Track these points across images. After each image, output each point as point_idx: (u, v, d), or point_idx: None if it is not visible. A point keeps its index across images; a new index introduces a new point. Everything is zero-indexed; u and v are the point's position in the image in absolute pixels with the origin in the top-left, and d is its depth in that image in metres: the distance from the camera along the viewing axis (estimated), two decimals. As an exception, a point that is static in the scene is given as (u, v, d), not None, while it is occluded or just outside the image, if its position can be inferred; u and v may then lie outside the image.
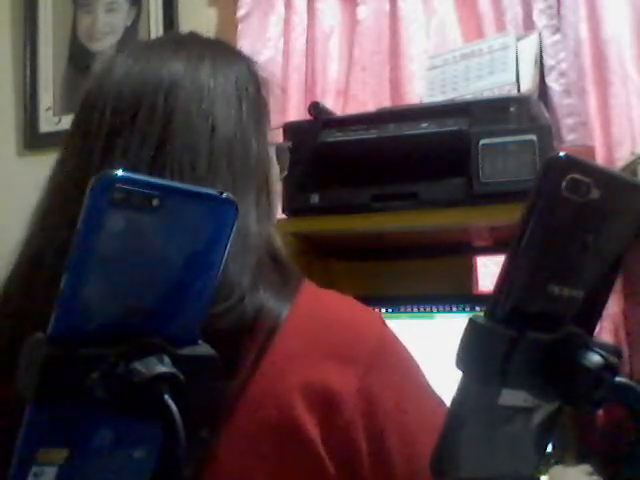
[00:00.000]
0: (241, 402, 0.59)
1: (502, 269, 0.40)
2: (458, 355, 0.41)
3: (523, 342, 0.40)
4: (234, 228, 0.43)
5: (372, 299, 1.31)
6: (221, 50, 0.71)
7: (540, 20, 1.48)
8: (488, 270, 1.46)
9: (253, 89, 0.69)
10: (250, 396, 0.59)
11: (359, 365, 0.61)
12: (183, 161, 0.62)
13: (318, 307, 0.65)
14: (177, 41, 0.72)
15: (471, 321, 0.41)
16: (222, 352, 0.44)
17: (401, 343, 0.67)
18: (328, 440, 0.59)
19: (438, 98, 1.37)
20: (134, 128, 0.63)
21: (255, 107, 0.69)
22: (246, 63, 0.71)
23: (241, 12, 1.73)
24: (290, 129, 1.27)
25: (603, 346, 0.42)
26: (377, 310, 1.29)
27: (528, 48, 1.37)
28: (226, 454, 0.58)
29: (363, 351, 0.63)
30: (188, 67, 0.66)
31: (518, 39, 1.38)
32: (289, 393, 0.59)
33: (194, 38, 0.73)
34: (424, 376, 0.67)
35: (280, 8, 1.70)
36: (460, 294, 1.42)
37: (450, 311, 1.28)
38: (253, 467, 0.59)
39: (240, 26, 1.73)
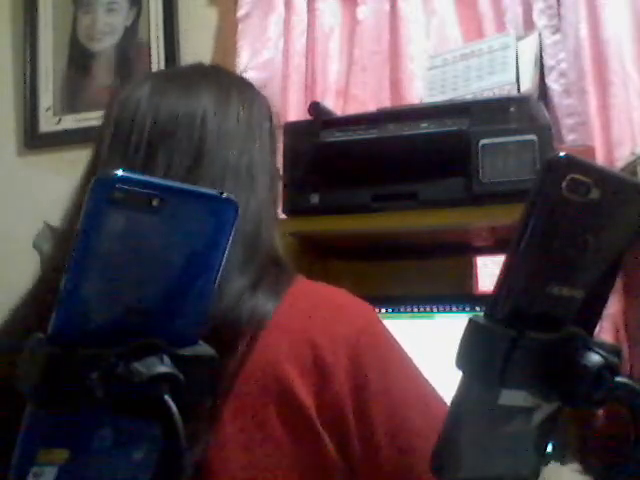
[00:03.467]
0: (239, 377, 0.63)
1: (502, 269, 0.40)
2: (458, 355, 0.41)
3: (523, 342, 0.40)
4: (237, 229, 0.43)
5: (372, 299, 1.30)
6: (244, 86, 0.81)
7: (540, 20, 1.48)
8: (488, 270, 1.46)
9: (268, 123, 0.79)
10: (247, 370, 0.63)
11: (349, 346, 0.66)
12: (214, 179, 0.70)
13: (310, 292, 0.71)
14: (206, 72, 0.81)
15: (471, 321, 0.41)
16: (218, 347, 0.45)
17: (389, 331, 0.72)
18: (321, 408, 0.63)
19: (438, 98, 1.37)
20: (173, 143, 0.70)
21: (270, 137, 0.79)
22: (264, 100, 0.81)
23: (241, 12, 1.73)
24: (290, 129, 1.27)
25: (603, 346, 0.42)
26: (377, 310, 1.29)
27: (528, 48, 1.37)
28: (228, 425, 0.62)
29: (352, 331, 0.67)
30: (219, 98, 0.75)
31: (518, 39, 1.38)
32: (282, 363, 0.64)
33: (220, 71, 0.82)
34: (412, 361, 0.71)
35: (280, 8, 1.70)
36: (460, 294, 1.41)
37: (450, 311, 1.28)
38: (254, 434, 0.62)
39: (240, 26, 1.73)
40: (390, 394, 0.66)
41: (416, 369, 0.70)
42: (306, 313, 0.68)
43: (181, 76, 0.79)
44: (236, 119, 0.75)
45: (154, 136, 0.71)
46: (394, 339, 0.71)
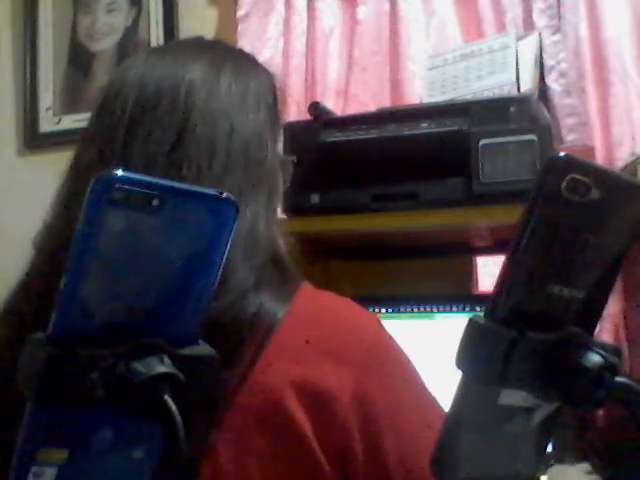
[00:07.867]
0: (237, 398, 0.60)
1: (502, 269, 0.40)
2: (458, 355, 0.41)
3: (523, 342, 0.40)
4: (235, 228, 0.43)
5: (372, 299, 1.31)
6: (243, 59, 0.75)
7: (540, 20, 1.48)
8: (488, 270, 1.46)
9: (271, 100, 0.73)
10: (245, 392, 0.60)
11: (354, 366, 0.62)
12: (201, 157, 0.65)
13: (315, 307, 0.67)
14: (203, 45, 0.76)
15: (471, 321, 0.41)
16: (222, 348, 0.45)
17: (397, 344, 0.68)
18: (322, 436, 0.60)
19: (438, 98, 1.37)
20: (155, 118, 0.66)
21: (271, 117, 0.72)
22: (267, 75, 0.75)
23: (241, 12, 1.73)
24: (290, 129, 1.26)
25: (603, 346, 0.42)
26: (377, 310, 1.30)
27: (528, 48, 1.37)
28: (222, 448, 0.59)
29: (359, 352, 0.63)
30: (210, 69, 0.69)
31: (518, 39, 1.38)
32: (281, 388, 0.60)
33: (219, 44, 0.77)
34: (419, 377, 0.67)
35: (280, 8, 1.70)
36: (460, 294, 1.41)
37: (450, 311, 1.28)
38: (248, 460, 0.60)
39: (240, 26, 1.73)
40: (400, 424, 0.63)
41: (427, 393, 0.67)
42: (312, 335, 0.63)
43: (175, 49, 0.74)
44: (227, 91, 0.68)
45: (136, 110, 0.66)
46: (400, 354, 0.68)
